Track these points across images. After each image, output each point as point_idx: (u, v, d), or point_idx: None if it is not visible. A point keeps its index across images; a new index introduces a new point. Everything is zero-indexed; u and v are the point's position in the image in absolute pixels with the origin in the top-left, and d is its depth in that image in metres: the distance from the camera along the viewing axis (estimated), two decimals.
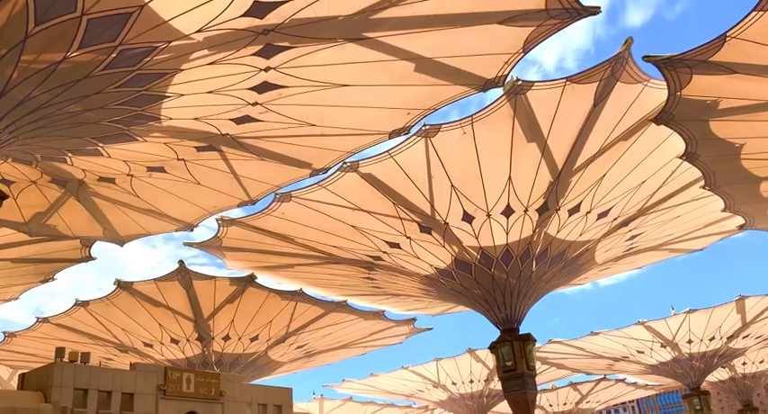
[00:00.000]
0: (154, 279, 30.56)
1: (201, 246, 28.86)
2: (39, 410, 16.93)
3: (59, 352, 19.14)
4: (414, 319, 41.89)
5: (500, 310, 30.18)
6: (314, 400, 60.98)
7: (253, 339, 37.44)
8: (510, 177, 24.96)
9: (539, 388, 32.82)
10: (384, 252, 29.32)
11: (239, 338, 36.73)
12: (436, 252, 28.78)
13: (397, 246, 28.77)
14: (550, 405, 66.03)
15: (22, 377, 18.99)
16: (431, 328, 45.64)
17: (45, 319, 32.80)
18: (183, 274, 29.94)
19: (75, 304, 31.58)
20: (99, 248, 28.19)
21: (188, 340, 35.57)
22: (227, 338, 36.38)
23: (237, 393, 22.97)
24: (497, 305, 30.11)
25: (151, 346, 35.20)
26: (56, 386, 18.14)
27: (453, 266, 29.37)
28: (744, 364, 56.15)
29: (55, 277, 29.91)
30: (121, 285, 30.27)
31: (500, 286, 29.53)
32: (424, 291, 32.96)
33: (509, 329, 30.15)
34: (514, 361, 28.93)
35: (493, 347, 30.12)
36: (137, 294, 30.93)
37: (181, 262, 29.61)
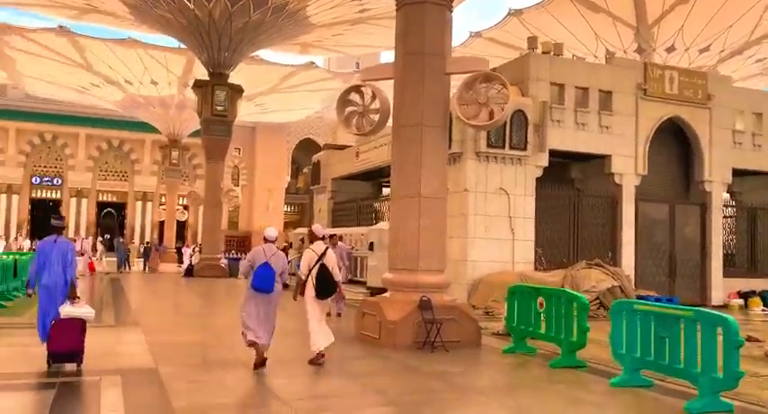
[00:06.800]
0: None
1: None
2: (517, 104, 15.36)
3: (532, 42, 16.97)
4: None
5: None
6: None
7: (702, 51, 31.33)
8: None
9: None
10: None
11: (686, 49, 31.02)
12: None
13: None
14: None
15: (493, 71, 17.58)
16: None
17: (477, 34, 31.84)
18: None
19: (508, 14, 29.45)
20: None
21: (625, 52, 31.33)
22: (670, 49, 31.04)
23: (727, 98, 18.51)
24: None
25: (584, 59, 32.03)
26: (532, 79, 16.33)
27: None
28: None
29: None
30: None
31: None
32: None
33: None
34: None
35: None
36: None
37: None
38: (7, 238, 39.95)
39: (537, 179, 16.39)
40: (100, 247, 27.32)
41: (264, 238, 7.61)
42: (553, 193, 17.04)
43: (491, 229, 15.67)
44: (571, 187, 18.40)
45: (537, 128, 16.04)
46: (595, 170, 17.79)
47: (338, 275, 7.94)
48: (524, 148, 15.79)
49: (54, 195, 46.87)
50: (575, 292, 8.14)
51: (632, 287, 15.77)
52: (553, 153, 16.61)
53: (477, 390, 6.67)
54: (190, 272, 25.57)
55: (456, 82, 10.27)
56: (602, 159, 17.36)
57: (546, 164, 16.30)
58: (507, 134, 15.56)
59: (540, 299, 8.52)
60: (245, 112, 36.16)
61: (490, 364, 8.35)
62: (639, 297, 15.26)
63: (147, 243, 37.90)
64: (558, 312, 8.17)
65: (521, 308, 8.96)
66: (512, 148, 15.66)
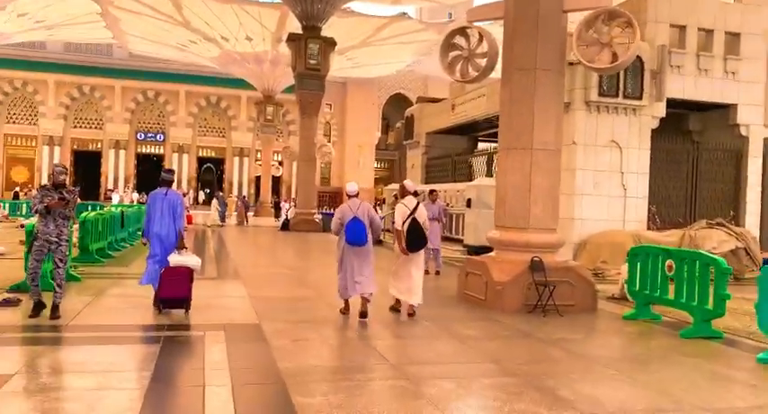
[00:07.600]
0: None
1: None
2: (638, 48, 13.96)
3: None
4: None
5: None
6: None
7: None
8: None
9: None
10: None
11: None
12: None
13: None
14: None
15: None
16: None
17: None
18: None
19: None
20: None
21: None
22: None
23: None
24: None
25: None
26: (650, 21, 14.88)
27: None
28: None
29: None
30: None
31: None
32: None
33: None
34: None
35: None
36: None
37: None
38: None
39: (652, 131, 15.12)
40: (214, 201, 28.31)
41: (347, 195, 7.67)
42: (669, 147, 15.68)
43: (600, 185, 14.60)
44: (688, 140, 16.90)
45: (654, 75, 14.65)
46: (717, 121, 16.19)
47: (428, 230, 7.99)
48: (640, 97, 14.49)
49: (157, 150, 48.90)
50: (712, 255, 7.24)
51: (759, 250, 14.38)
52: (669, 103, 15.20)
53: (602, 361, 6.03)
54: (286, 226, 25.93)
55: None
56: (726, 109, 15.74)
57: (663, 114, 14.94)
58: (621, 82, 14.30)
59: (668, 262, 7.68)
60: (337, 67, 35.84)
61: (612, 332, 7.64)
62: (766, 261, 13.92)
63: (244, 197, 38.98)
64: (690, 277, 7.32)
65: (644, 271, 8.15)
66: (626, 97, 14.40)
